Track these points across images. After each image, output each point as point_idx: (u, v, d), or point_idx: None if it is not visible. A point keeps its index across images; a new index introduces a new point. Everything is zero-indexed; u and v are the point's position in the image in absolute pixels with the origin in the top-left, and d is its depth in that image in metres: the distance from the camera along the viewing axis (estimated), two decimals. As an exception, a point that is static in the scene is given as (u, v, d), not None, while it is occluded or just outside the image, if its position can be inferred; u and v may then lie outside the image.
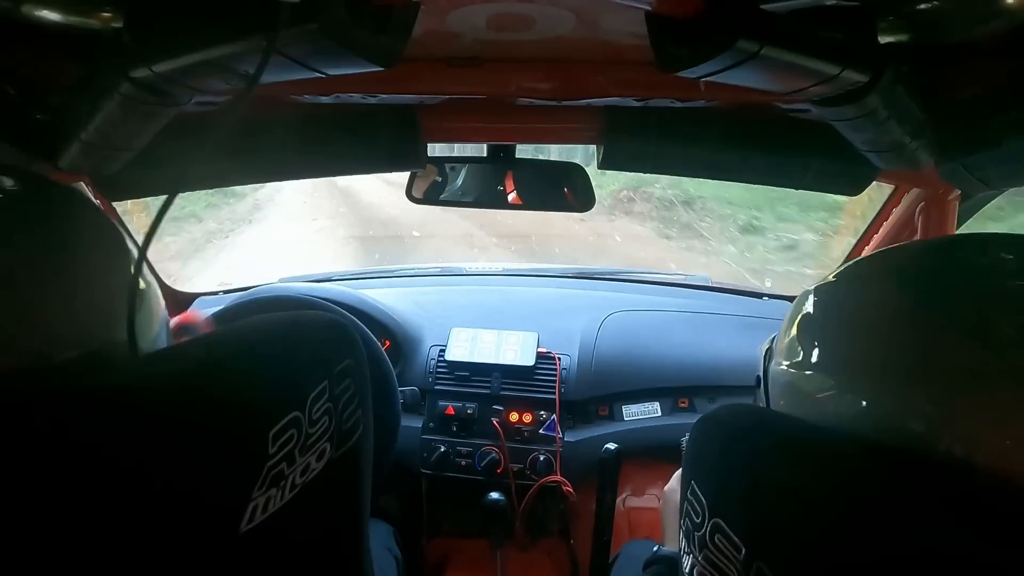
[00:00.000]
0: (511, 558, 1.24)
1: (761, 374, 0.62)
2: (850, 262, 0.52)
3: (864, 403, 0.42)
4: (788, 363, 0.51)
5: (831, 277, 0.51)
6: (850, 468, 0.39)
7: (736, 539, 0.39)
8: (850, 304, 0.48)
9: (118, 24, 0.55)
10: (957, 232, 1.01)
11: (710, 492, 0.43)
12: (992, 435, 0.37)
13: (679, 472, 0.85)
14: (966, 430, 0.38)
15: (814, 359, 0.48)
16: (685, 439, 0.85)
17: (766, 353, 0.61)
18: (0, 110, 0.65)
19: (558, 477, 1.22)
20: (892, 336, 0.42)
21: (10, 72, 0.65)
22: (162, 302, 0.57)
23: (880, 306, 0.44)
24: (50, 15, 0.54)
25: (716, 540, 0.40)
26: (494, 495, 1.20)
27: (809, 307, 0.51)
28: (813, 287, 0.52)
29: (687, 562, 0.45)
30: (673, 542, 0.77)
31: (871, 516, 0.35)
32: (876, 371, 0.42)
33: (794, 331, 0.52)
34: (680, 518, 0.47)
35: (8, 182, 0.46)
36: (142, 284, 0.52)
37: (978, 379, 0.37)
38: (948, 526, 0.34)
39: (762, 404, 0.62)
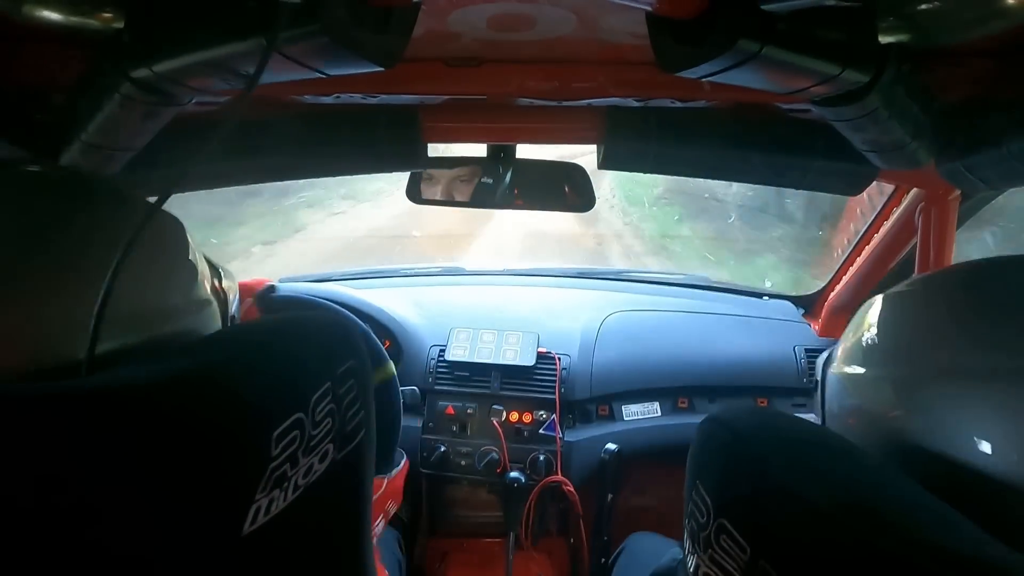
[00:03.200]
0: (513, 557, 1.24)
1: (819, 377, 0.62)
2: (923, 275, 0.52)
3: (927, 424, 0.42)
4: (848, 369, 0.52)
5: (902, 287, 0.51)
6: (856, 470, 0.39)
7: (741, 540, 0.39)
8: (910, 316, 0.48)
9: (118, 24, 0.55)
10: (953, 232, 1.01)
11: (715, 493, 0.43)
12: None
13: None
14: (995, 437, 0.38)
15: (874, 366, 0.48)
16: None
17: (826, 359, 0.60)
18: (0, 110, 0.65)
19: (559, 477, 1.22)
20: (957, 359, 0.42)
21: (11, 72, 0.65)
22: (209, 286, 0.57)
23: (945, 325, 0.44)
24: (50, 15, 0.54)
25: (721, 540, 0.40)
26: (514, 473, 1.19)
27: (872, 317, 0.51)
28: (883, 295, 0.52)
29: (692, 562, 0.45)
30: None
31: (875, 517, 0.35)
32: (942, 393, 0.42)
33: (856, 339, 0.52)
34: (685, 519, 0.47)
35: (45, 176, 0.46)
36: (207, 276, 0.54)
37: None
38: (956, 528, 0.34)
39: (817, 410, 0.62)
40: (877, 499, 0.36)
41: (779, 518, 0.38)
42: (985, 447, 0.38)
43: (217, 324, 0.58)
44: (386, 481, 0.93)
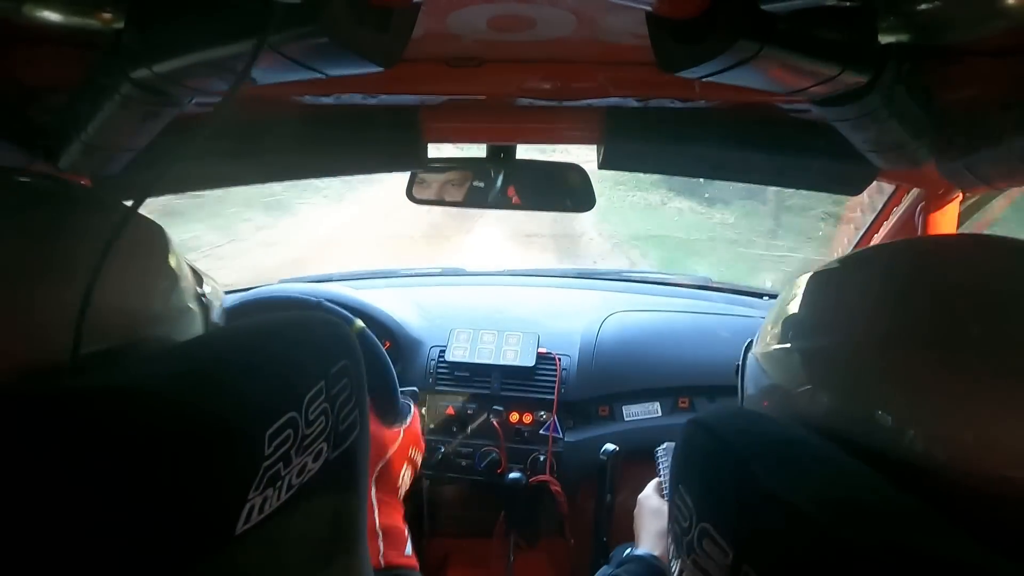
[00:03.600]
0: (512, 558, 1.24)
1: (740, 362, 0.62)
2: (841, 256, 0.53)
3: (835, 397, 0.44)
4: (765, 350, 0.52)
5: (819, 268, 0.52)
6: (835, 472, 0.39)
7: (723, 543, 0.39)
8: (831, 296, 0.49)
9: (118, 24, 0.55)
10: (953, 232, 1.01)
11: (697, 496, 0.43)
12: (968, 435, 0.38)
13: (654, 481, 0.87)
14: (942, 431, 0.39)
15: (791, 346, 0.49)
16: (662, 449, 0.87)
17: (747, 344, 0.61)
18: (0, 110, 0.65)
19: (547, 477, 1.22)
20: (869, 331, 0.43)
21: (11, 72, 0.65)
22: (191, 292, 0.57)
23: (858, 300, 0.46)
24: (50, 15, 0.54)
25: (703, 544, 0.40)
26: (514, 474, 1.19)
27: (795, 295, 0.52)
28: (801, 277, 0.53)
29: (675, 566, 0.45)
30: (646, 545, 0.79)
31: (856, 519, 0.35)
32: (851, 367, 0.44)
33: (777, 319, 0.53)
34: (669, 522, 0.47)
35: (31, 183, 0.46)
36: (181, 270, 0.54)
37: (950, 377, 0.39)
38: (936, 529, 0.34)
39: (739, 395, 0.62)
40: (860, 502, 0.36)
41: (761, 522, 0.38)
42: (886, 419, 0.40)
43: (199, 330, 0.58)
44: (403, 430, 0.93)
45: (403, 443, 0.92)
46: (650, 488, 0.87)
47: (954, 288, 0.42)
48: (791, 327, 0.50)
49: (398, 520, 0.89)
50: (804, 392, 0.46)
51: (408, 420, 0.96)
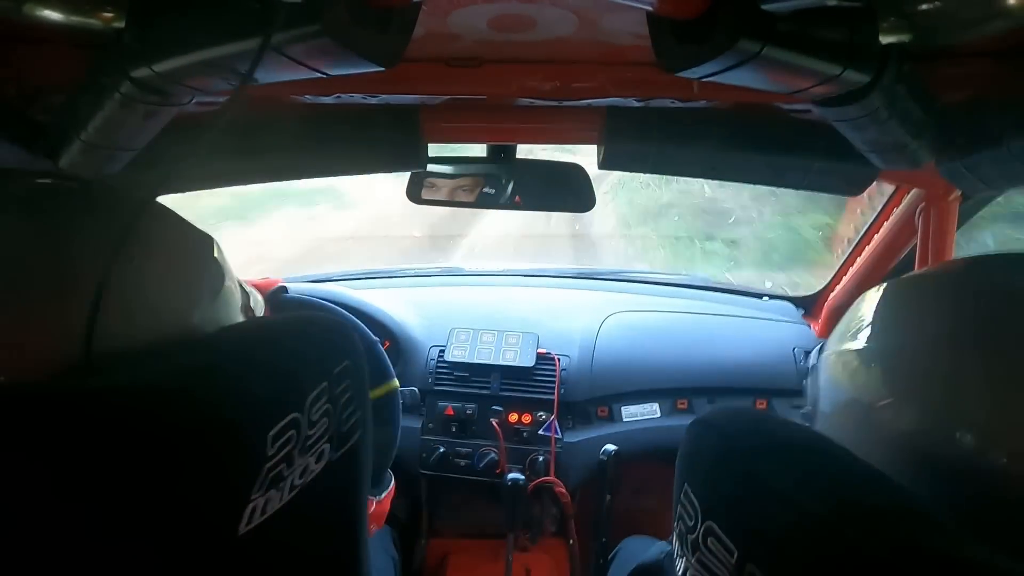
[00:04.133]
0: (512, 558, 1.24)
1: (811, 363, 0.62)
2: (922, 270, 0.52)
3: (917, 412, 0.42)
4: (838, 352, 0.51)
5: (898, 282, 0.51)
6: (842, 472, 0.39)
7: (728, 542, 0.39)
8: (902, 312, 0.48)
9: (119, 24, 0.55)
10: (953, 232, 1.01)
11: (703, 495, 0.43)
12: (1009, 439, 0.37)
13: None
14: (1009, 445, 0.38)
15: (863, 356, 0.48)
16: None
17: (820, 347, 0.60)
18: (0, 110, 0.65)
19: (551, 478, 1.22)
20: (954, 347, 0.42)
21: (10, 72, 0.65)
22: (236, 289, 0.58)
23: (943, 317, 0.45)
24: (51, 15, 0.54)
25: (709, 543, 0.40)
26: (513, 474, 1.19)
27: (868, 306, 0.51)
28: (881, 287, 0.52)
29: (680, 565, 0.45)
30: None
31: (862, 519, 0.35)
32: (936, 380, 0.42)
33: (850, 325, 0.52)
34: (674, 521, 0.47)
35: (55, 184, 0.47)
36: (227, 278, 0.55)
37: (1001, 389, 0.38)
38: (944, 531, 0.34)
39: (807, 399, 0.61)
40: (865, 502, 0.36)
41: (766, 521, 0.38)
42: (967, 439, 0.39)
43: None
44: (374, 503, 0.92)
45: (371, 515, 0.89)
46: None
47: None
48: (871, 338, 0.49)
49: None
50: (885, 406, 0.45)
51: (382, 496, 0.94)
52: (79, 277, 0.43)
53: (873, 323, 0.49)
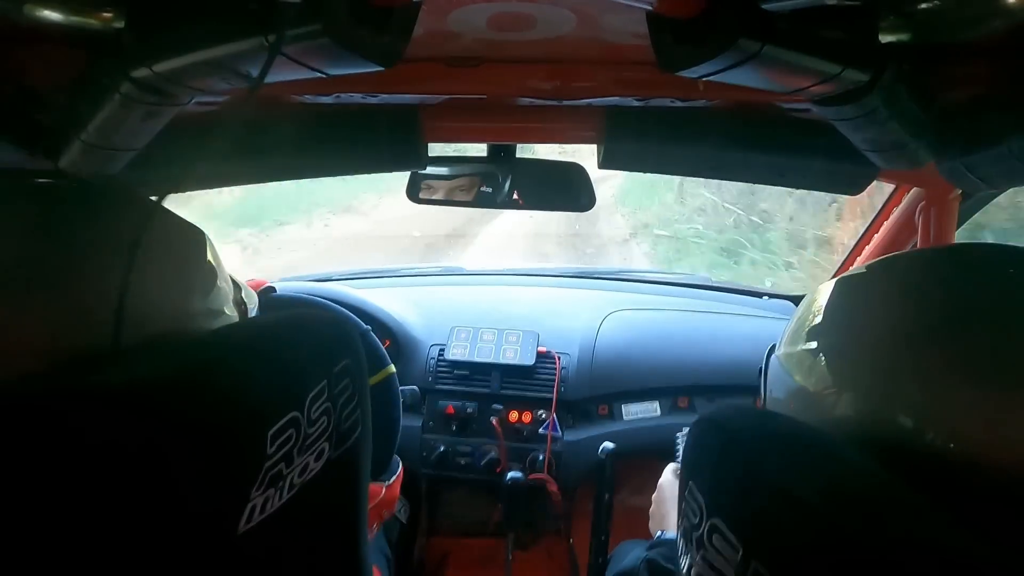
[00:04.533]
0: (512, 557, 1.24)
1: (763, 363, 0.63)
2: (867, 263, 0.53)
3: (858, 398, 0.45)
4: (790, 351, 0.53)
5: (845, 274, 0.53)
6: (847, 469, 0.39)
7: (733, 539, 0.39)
8: (857, 300, 0.50)
9: (119, 24, 0.55)
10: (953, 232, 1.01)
11: (708, 492, 0.43)
12: (985, 432, 0.39)
13: (672, 464, 0.88)
14: (959, 427, 0.40)
15: (815, 349, 0.50)
16: (680, 434, 0.87)
17: (771, 347, 0.62)
18: (0, 110, 0.65)
19: (544, 475, 1.22)
20: (889, 335, 0.44)
21: (10, 72, 0.65)
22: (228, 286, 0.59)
23: (883, 304, 0.47)
24: (51, 15, 0.54)
25: (714, 540, 0.40)
26: (513, 473, 1.19)
27: (820, 299, 0.52)
28: (827, 282, 0.54)
29: (685, 562, 0.45)
30: (673, 527, 0.78)
31: (867, 516, 0.35)
32: (873, 367, 0.44)
33: (802, 321, 0.53)
34: (679, 518, 0.47)
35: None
36: (219, 274, 0.55)
37: (967, 377, 0.40)
38: (945, 526, 0.34)
39: (761, 396, 0.62)
40: (870, 499, 0.36)
41: (771, 518, 0.38)
42: (907, 421, 0.41)
43: None
44: (384, 488, 0.94)
45: (381, 502, 0.94)
46: (668, 472, 0.88)
47: (973, 294, 0.43)
48: (817, 330, 0.51)
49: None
50: (829, 394, 0.47)
51: (392, 479, 0.97)
52: (103, 271, 0.44)
53: (814, 320, 0.52)
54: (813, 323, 0.52)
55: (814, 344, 0.50)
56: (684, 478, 0.47)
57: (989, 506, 0.37)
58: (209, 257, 0.55)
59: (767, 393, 0.60)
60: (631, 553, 0.80)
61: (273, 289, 1.02)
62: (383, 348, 1.02)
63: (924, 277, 0.47)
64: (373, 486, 0.94)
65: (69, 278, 0.43)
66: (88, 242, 0.45)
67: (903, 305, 0.45)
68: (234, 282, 0.62)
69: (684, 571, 0.45)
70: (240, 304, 0.62)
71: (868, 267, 0.52)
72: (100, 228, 0.46)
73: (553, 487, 1.22)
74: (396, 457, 1.01)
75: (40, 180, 0.50)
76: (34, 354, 0.42)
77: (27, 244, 0.43)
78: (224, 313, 0.56)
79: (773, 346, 0.61)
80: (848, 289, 0.52)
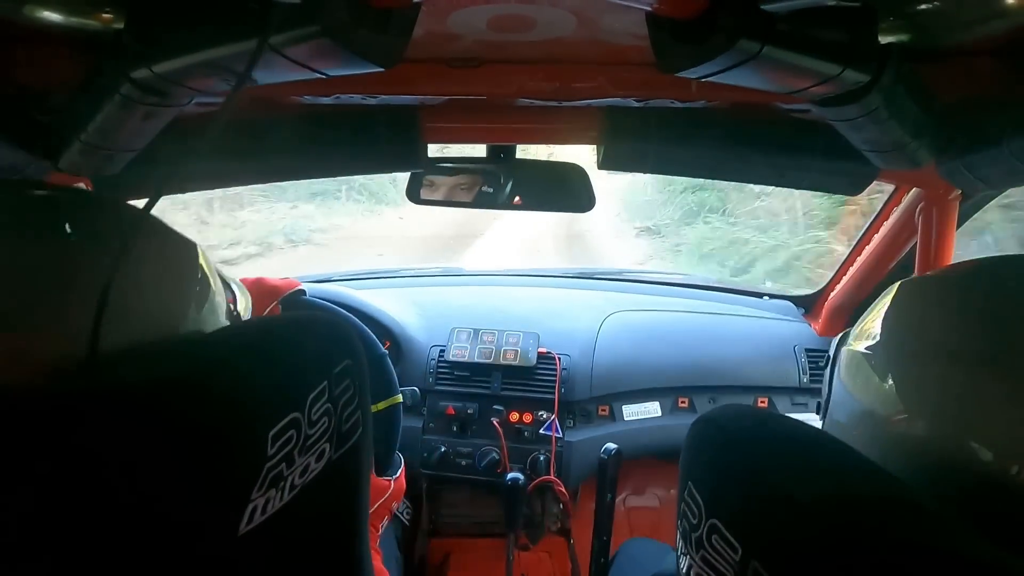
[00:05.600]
0: (513, 557, 1.24)
1: (831, 353, 0.61)
2: (948, 266, 0.51)
3: (924, 425, 0.42)
4: (861, 348, 0.51)
5: (913, 281, 0.51)
6: (847, 469, 0.39)
7: (732, 540, 0.39)
8: (921, 321, 0.47)
9: (119, 25, 0.55)
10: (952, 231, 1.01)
11: (707, 493, 0.43)
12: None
13: None
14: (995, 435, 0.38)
15: (882, 352, 0.48)
16: None
17: (841, 337, 0.59)
18: (0, 110, 0.65)
19: (551, 477, 1.22)
20: (952, 361, 0.42)
21: (11, 72, 0.65)
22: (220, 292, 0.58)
23: (943, 329, 0.44)
24: (51, 16, 0.54)
25: (713, 541, 0.40)
26: (514, 474, 1.20)
27: (893, 303, 0.50)
28: (906, 282, 0.52)
29: (684, 563, 0.45)
30: None
31: (868, 517, 0.35)
32: (939, 395, 0.42)
33: (875, 321, 0.51)
34: (677, 518, 0.47)
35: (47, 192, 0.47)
36: (213, 286, 0.55)
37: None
38: (948, 528, 0.34)
39: (824, 390, 0.61)
40: (869, 500, 0.36)
41: (770, 518, 0.38)
42: (986, 455, 0.39)
43: None
44: (393, 482, 0.98)
45: (391, 496, 0.98)
46: None
47: None
48: (881, 343, 0.48)
49: (379, 563, 0.93)
50: (900, 420, 0.45)
51: (398, 474, 1.01)
52: (84, 282, 0.43)
53: (890, 326, 0.49)
54: (882, 332, 0.49)
55: (884, 361, 0.47)
56: (683, 479, 0.47)
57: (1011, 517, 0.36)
58: (203, 269, 0.55)
59: (833, 389, 0.57)
60: (648, 551, 0.79)
61: (303, 292, 1.02)
62: (395, 376, 1.04)
63: (1001, 293, 0.43)
64: (380, 481, 0.96)
65: (51, 287, 0.43)
66: (71, 252, 0.45)
67: (984, 325, 0.42)
68: (227, 285, 0.61)
69: (684, 571, 0.45)
70: (231, 315, 0.61)
71: (936, 275, 0.50)
72: (84, 238, 0.46)
73: (560, 488, 1.22)
74: (397, 454, 1.04)
75: (26, 189, 0.49)
76: (14, 363, 0.41)
77: (9, 253, 0.43)
78: (218, 323, 0.56)
79: (844, 336, 0.58)
80: (915, 299, 0.49)
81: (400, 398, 1.03)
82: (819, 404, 0.63)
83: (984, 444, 0.39)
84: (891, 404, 0.46)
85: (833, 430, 0.54)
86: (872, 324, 0.51)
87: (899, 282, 0.52)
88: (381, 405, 1.00)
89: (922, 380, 0.44)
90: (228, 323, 0.58)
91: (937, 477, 0.40)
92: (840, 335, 0.60)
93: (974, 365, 0.41)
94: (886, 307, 0.50)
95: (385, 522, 0.99)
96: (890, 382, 0.46)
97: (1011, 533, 0.36)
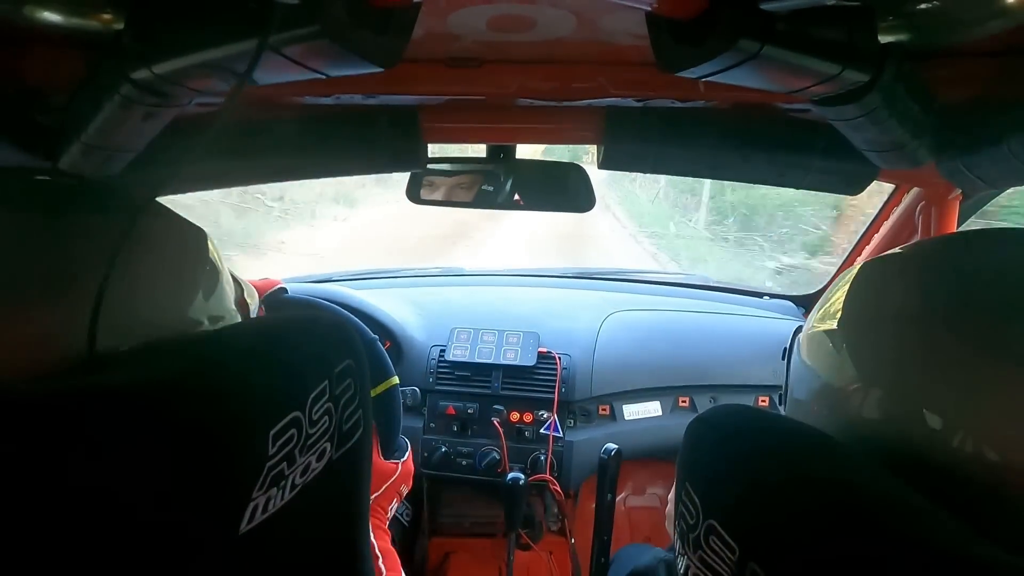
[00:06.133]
0: (513, 557, 1.24)
1: (788, 344, 0.61)
2: (912, 243, 0.51)
3: (878, 394, 0.43)
4: (822, 328, 0.51)
5: (876, 260, 0.51)
6: (844, 470, 0.39)
7: (730, 540, 0.39)
8: (881, 293, 0.48)
9: (119, 25, 0.55)
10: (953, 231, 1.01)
11: (703, 493, 0.43)
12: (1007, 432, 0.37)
13: None
14: (977, 427, 0.38)
15: (842, 340, 0.48)
16: None
17: (798, 328, 0.60)
18: (0, 110, 0.65)
19: (547, 476, 1.22)
20: (911, 330, 0.42)
21: (11, 73, 0.65)
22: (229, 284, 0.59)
23: (903, 300, 0.44)
24: (51, 16, 0.54)
25: (710, 541, 0.40)
26: (515, 473, 1.20)
27: (848, 285, 0.50)
28: (854, 268, 0.52)
29: (682, 563, 0.45)
30: None
31: (866, 518, 0.35)
32: (895, 363, 0.42)
33: (831, 302, 0.51)
34: (675, 519, 0.47)
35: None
36: (222, 274, 0.55)
37: (989, 377, 0.38)
38: (943, 526, 0.34)
39: (781, 377, 0.61)
40: (866, 500, 0.36)
41: (766, 519, 0.38)
42: (935, 422, 0.39)
43: None
44: (400, 464, 0.99)
45: (398, 478, 0.98)
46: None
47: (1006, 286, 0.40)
48: (841, 319, 0.49)
49: (388, 544, 0.93)
50: (855, 390, 0.45)
51: (406, 455, 1.02)
52: (82, 274, 0.43)
53: (845, 302, 0.49)
54: (838, 309, 0.49)
55: (839, 334, 0.48)
56: (680, 479, 0.47)
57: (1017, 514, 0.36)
58: (211, 257, 0.55)
59: (791, 374, 0.58)
60: (645, 554, 0.79)
61: (285, 290, 1.03)
62: (388, 358, 1.03)
63: (956, 265, 0.43)
64: (387, 464, 0.97)
65: (47, 281, 0.43)
66: (69, 244, 0.45)
67: (932, 295, 0.42)
68: (236, 280, 0.62)
69: (681, 572, 0.45)
70: (243, 305, 0.62)
71: (891, 256, 0.49)
72: (87, 228, 0.46)
73: (555, 487, 1.23)
74: (402, 437, 1.04)
75: (25, 179, 0.49)
76: (11, 358, 0.41)
77: (9, 245, 0.43)
78: (227, 313, 0.56)
79: (797, 330, 0.59)
80: (875, 276, 0.49)
81: (396, 380, 1.03)
82: (779, 396, 0.64)
83: (934, 410, 0.39)
84: (847, 373, 0.46)
85: (793, 410, 0.55)
86: (832, 304, 0.51)
87: (862, 262, 0.52)
88: (378, 388, 1.00)
89: (877, 346, 0.44)
90: (236, 311, 0.58)
91: (893, 448, 0.41)
92: (795, 328, 0.60)
93: (929, 328, 0.41)
94: (848, 285, 0.51)
95: (395, 505, 1.00)
96: (846, 351, 0.46)
97: (960, 504, 0.36)
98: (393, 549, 0.91)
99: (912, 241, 0.96)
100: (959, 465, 0.38)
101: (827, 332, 0.49)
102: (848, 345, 0.47)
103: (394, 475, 0.98)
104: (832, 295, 0.52)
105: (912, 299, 0.44)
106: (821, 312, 0.52)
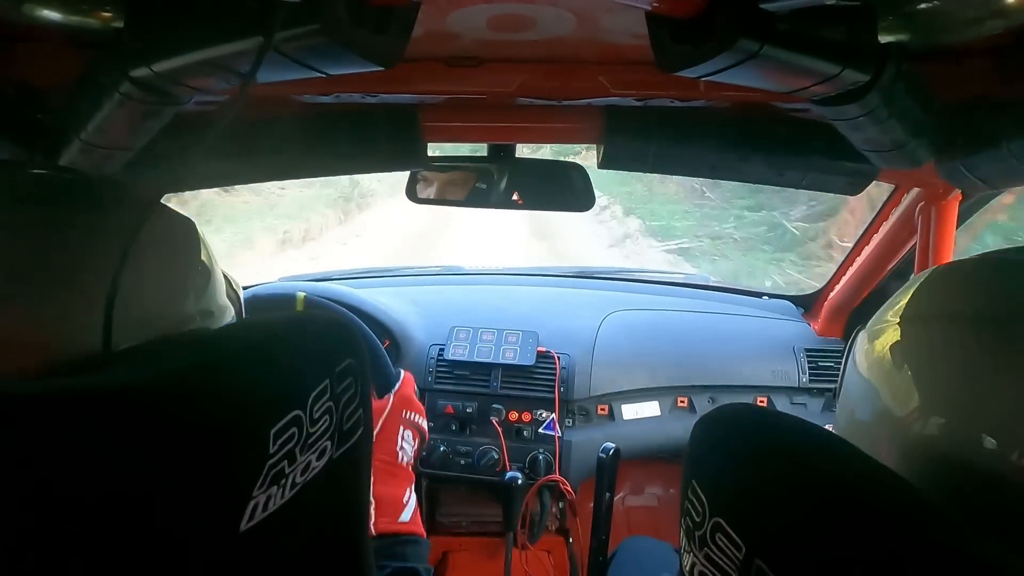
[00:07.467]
0: (512, 556, 1.25)
1: (848, 343, 0.59)
2: (968, 258, 0.49)
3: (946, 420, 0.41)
4: (884, 334, 0.48)
5: (958, 261, 0.49)
6: (851, 467, 0.39)
7: (736, 538, 0.39)
8: (934, 305, 0.46)
9: (118, 24, 0.55)
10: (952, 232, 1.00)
11: (710, 491, 0.43)
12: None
13: None
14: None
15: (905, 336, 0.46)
16: None
17: (858, 329, 0.58)
18: (0, 110, 0.65)
19: (557, 476, 1.22)
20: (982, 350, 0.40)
21: (10, 72, 0.65)
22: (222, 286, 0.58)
23: (952, 317, 0.43)
24: (50, 15, 0.54)
25: (717, 539, 0.40)
26: (513, 473, 1.20)
27: (922, 285, 0.48)
28: (939, 267, 0.50)
29: (687, 561, 0.45)
30: None
31: (873, 515, 0.35)
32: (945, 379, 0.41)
33: (894, 312, 0.49)
34: (681, 516, 0.47)
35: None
36: (214, 269, 0.55)
37: None
38: (953, 527, 0.34)
39: (841, 373, 0.59)
40: (872, 498, 0.36)
41: (774, 516, 0.38)
42: (990, 443, 0.37)
43: None
44: (391, 396, 0.88)
45: (393, 408, 0.88)
46: None
47: None
48: (907, 328, 0.46)
49: (398, 487, 0.84)
50: (913, 414, 0.43)
51: (397, 385, 0.90)
52: (95, 271, 0.43)
53: (914, 308, 0.47)
54: (897, 320, 0.47)
55: (899, 349, 0.45)
56: (686, 477, 0.47)
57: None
58: (203, 252, 0.55)
59: (847, 371, 0.54)
60: (648, 548, 0.79)
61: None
62: (392, 371, 0.96)
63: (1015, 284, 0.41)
64: (378, 403, 0.87)
65: (60, 277, 0.43)
66: (81, 240, 0.45)
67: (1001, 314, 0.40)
68: (224, 276, 0.62)
69: (687, 569, 0.45)
70: (234, 300, 0.62)
71: (991, 254, 0.46)
72: (94, 226, 0.46)
73: (567, 487, 1.23)
74: (399, 370, 0.93)
75: (35, 173, 0.49)
76: (24, 355, 0.41)
77: (18, 241, 0.43)
78: (221, 309, 0.56)
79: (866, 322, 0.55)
80: (958, 276, 0.46)
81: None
82: (830, 398, 0.61)
83: (990, 432, 0.37)
84: (902, 395, 0.44)
85: (847, 425, 0.52)
86: (894, 311, 0.49)
87: (932, 268, 0.49)
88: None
89: (936, 359, 0.42)
90: (230, 304, 0.58)
91: (950, 473, 0.39)
92: (857, 329, 0.57)
93: (994, 343, 0.39)
94: (913, 291, 0.48)
95: (407, 436, 0.88)
96: (905, 371, 0.44)
97: (1013, 529, 0.35)
98: (401, 493, 0.82)
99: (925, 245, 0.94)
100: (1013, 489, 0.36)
101: (887, 342, 0.47)
102: (907, 356, 0.44)
103: (384, 411, 0.87)
104: (898, 298, 0.49)
105: (981, 304, 0.42)
106: (882, 317, 0.50)
